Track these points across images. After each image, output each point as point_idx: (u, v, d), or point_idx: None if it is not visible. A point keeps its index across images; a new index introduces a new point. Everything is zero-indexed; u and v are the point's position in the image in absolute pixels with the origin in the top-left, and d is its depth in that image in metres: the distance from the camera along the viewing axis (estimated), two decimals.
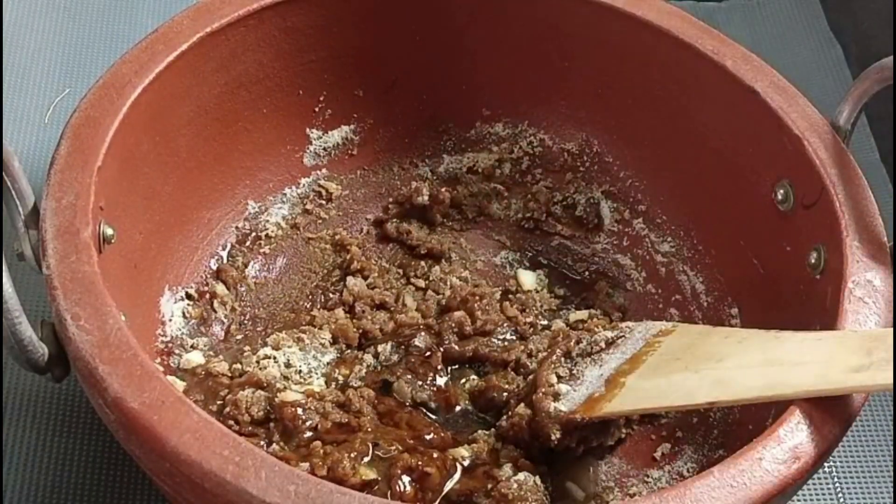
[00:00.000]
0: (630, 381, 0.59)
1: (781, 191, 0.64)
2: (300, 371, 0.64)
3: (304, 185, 0.73)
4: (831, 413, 0.51)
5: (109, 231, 0.56)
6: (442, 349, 0.66)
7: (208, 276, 0.68)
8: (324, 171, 0.74)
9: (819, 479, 0.66)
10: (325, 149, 0.74)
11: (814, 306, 0.59)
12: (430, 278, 0.71)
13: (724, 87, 0.66)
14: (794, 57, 0.63)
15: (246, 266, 0.70)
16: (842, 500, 0.65)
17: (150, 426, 0.47)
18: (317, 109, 0.72)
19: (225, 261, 0.69)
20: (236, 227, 0.71)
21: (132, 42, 0.62)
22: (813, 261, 0.60)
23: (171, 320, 0.65)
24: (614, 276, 0.73)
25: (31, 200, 0.54)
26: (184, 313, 0.66)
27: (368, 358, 0.65)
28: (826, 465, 0.66)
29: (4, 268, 0.47)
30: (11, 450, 0.63)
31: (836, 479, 0.66)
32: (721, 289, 0.69)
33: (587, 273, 0.74)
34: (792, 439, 0.50)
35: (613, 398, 0.58)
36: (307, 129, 0.73)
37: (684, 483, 0.48)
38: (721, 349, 0.56)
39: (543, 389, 0.61)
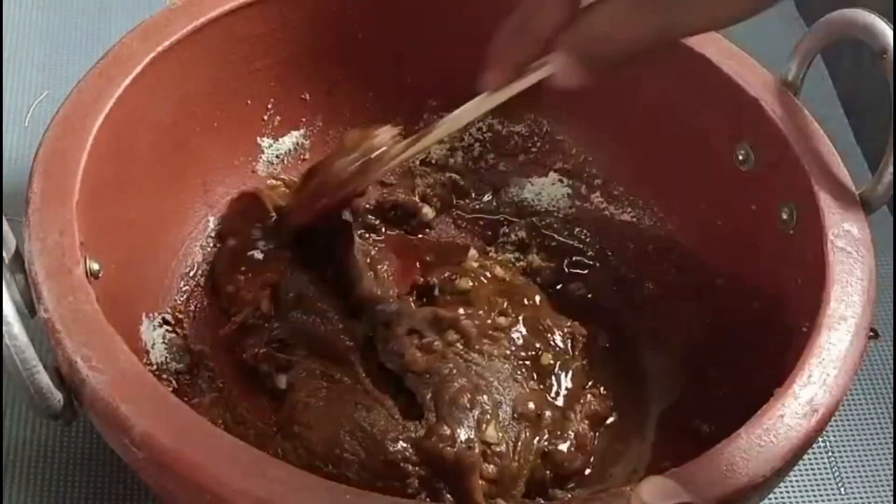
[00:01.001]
0: None
1: (742, 152, 0.65)
2: None
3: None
4: (839, 364, 0.53)
5: (96, 266, 0.55)
6: None
7: (181, 298, 0.67)
8: (278, 180, 0.73)
9: (818, 465, 0.68)
10: (277, 156, 0.73)
11: (792, 261, 0.61)
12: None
13: (674, 55, 0.67)
14: (762, 41, 0.66)
15: None
16: (841, 485, 0.67)
17: (185, 458, 0.46)
18: (266, 117, 0.72)
19: (195, 282, 0.68)
20: (200, 246, 0.69)
21: (108, 43, 0.61)
22: (785, 217, 0.62)
23: (153, 348, 0.63)
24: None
25: (13, 244, 0.53)
26: (164, 339, 0.64)
27: None
28: (825, 449, 0.69)
29: (15, 317, 0.46)
30: (8, 501, 0.61)
31: (836, 469, 0.68)
32: (688, 253, 0.70)
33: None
34: (807, 393, 0.51)
35: None
36: (258, 139, 0.72)
37: (716, 448, 0.49)
38: None
39: None
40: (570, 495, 0.61)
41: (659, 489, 0.43)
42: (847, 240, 0.58)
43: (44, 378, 0.47)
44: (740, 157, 0.65)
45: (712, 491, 0.48)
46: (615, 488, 0.52)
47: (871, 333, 0.71)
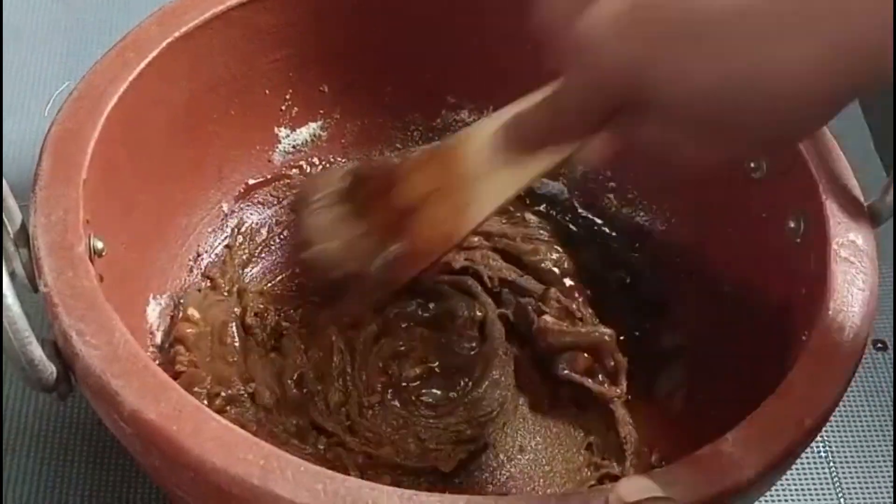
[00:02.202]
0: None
1: (753, 160, 0.65)
2: None
3: (275, 185, 0.73)
4: (833, 373, 0.52)
5: (100, 244, 0.56)
6: None
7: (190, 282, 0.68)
8: (294, 169, 0.74)
9: (818, 475, 0.68)
10: (294, 146, 0.74)
11: (797, 270, 0.61)
12: None
13: None
14: None
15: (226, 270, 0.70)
16: (840, 495, 0.67)
17: (171, 436, 0.46)
18: (283, 108, 0.72)
19: (206, 267, 0.69)
20: (212, 231, 0.70)
21: None
22: (792, 225, 0.62)
23: (158, 329, 0.64)
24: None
25: (19, 218, 0.53)
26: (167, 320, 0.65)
27: None
28: (826, 460, 0.68)
29: (10, 288, 0.46)
30: (8, 476, 0.62)
31: (836, 479, 0.67)
32: (698, 259, 0.70)
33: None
34: (798, 400, 0.51)
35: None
36: (275, 129, 0.73)
37: (702, 450, 0.49)
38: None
39: None
40: None
41: (635, 487, 0.44)
42: (851, 250, 0.57)
43: (36, 350, 0.48)
44: (752, 165, 0.65)
45: (697, 492, 0.47)
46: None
47: (881, 345, 0.71)
